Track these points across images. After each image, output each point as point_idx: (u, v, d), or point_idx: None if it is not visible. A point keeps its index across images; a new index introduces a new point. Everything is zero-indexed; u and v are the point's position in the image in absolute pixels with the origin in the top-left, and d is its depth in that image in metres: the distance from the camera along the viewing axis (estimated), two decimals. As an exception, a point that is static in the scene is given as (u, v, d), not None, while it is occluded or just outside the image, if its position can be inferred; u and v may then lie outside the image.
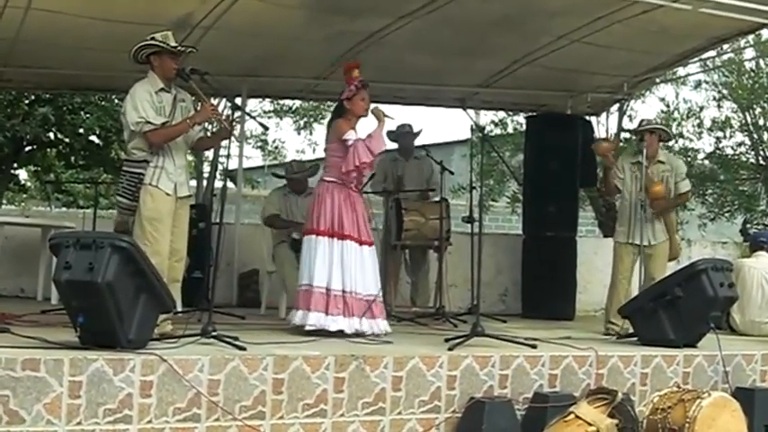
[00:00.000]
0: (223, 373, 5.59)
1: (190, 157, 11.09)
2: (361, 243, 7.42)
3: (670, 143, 10.48)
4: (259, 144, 18.48)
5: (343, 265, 7.31)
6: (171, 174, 6.68)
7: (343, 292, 7.26)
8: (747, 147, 15.26)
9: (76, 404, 5.18)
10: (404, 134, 10.20)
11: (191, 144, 7.06)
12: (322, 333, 7.07)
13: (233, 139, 6.98)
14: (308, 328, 7.15)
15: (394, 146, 10.03)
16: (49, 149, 14.96)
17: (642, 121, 9.13)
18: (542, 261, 10.94)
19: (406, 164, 10.20)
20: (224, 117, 6.90)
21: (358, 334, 7.15)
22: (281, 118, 17.58)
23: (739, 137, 15.27)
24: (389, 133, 10.00)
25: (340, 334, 7.09)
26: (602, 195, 13.58)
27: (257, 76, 10.53)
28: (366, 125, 7.62)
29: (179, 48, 6.77)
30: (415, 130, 10.25)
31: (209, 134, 7.02)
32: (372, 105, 7.59)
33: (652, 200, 8.56)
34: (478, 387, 6.37)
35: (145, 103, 6.57)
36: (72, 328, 5.61)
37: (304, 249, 7.50)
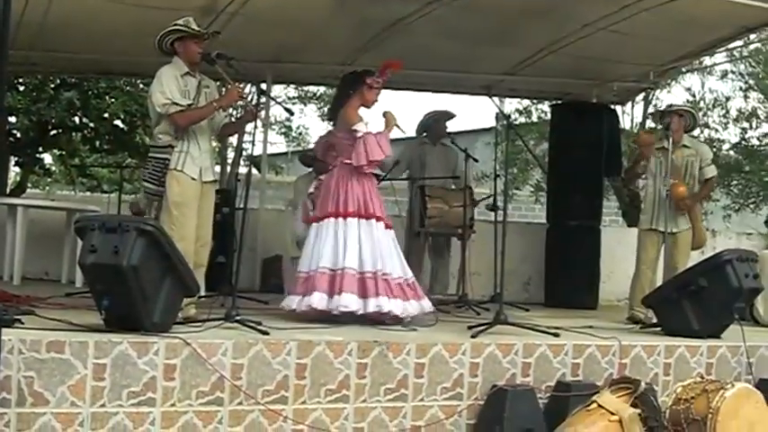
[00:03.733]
0: (246, 357, 5.60)
1: (214, 143, 11.12)
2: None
3: (695, 132, 10.39)
4: (283, 130, 18.52)
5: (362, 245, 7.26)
6: (196, 158, 6.69)
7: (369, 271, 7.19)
8: (773, 138, 15.20)
9: (101, 386, 5.21)
10: (440, 117, 10.16)
11: (216, 130, 7.07)
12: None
13: (257, 124, 6.99)
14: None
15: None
16: (74, 134, 15.00)
17: (670, 105, 9.11)
18: (566, 250, 10.92)
19: (433, 149, 10.17)
20: (250, 101, 6.91)
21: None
22: (305, 104, 17.62)
23: (765, 128, 15.23)
24: (425, 117, 10.03)
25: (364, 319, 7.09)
26: (626, 185, 13.57)
27: (282, 62, 10.53)
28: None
29: (201, 31, 6.78)
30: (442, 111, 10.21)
31: (233, 120, 7.02)
32: (386, 110, 7.60)
33: (677, 201, 8.53)
34: (501, 375, 6.37)
35: (172, 86, 6.58)
36: (97, 311, 5.64)
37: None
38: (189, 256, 6.30)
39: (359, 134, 7.34)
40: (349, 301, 7.02)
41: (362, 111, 7.56)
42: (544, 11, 8.81)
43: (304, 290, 7.17)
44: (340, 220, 7.30)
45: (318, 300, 7.06)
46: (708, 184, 9.01)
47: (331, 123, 7.98)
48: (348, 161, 7.41)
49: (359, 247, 7.23)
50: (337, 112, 7.65)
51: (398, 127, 7.52)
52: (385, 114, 7.54)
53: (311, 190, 8.04)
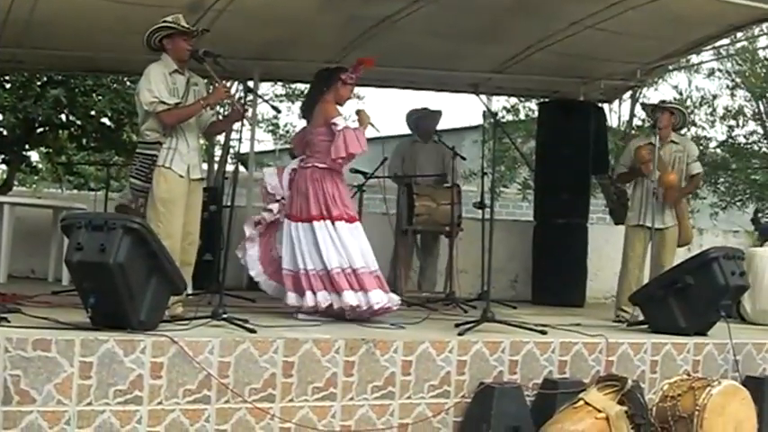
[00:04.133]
0: (233, 355, 5.60)
1: (201, 141, 11.09)
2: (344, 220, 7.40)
3: (683, 131, 10.42)
4: (270, 128, 18.46)
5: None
6: (184, 155, 6.68)
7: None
8: (760, 136, 15.25)
9: (87, 384, 5.20)
10: (425, 115, 10.17)
11: (203, 128, 7.06)
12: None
13: (245, 122, 6.98)
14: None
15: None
16: (60, 131, 14.92)
17: (663, 101, 9.14)
18: (553, 248, 10.92)
19: (424, 146, 10.17)
20: (237, 99, 6.89)
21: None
22: (292, 102, 17.54)
23: (752, 126, 15.26)
24: (409, 116, 10.04)
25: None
26: (613, 183, 13.59)
27: (269, 59, 10.51)
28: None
29: (191, 28, 6.77)
30: (434, 110, 10.20)
31: (220, 118, 7.02)
32: (361, 107, 7.64)
33: (666, 188, 8.54)
34: (488, 372, 6.37)
35: (159, 84, 6.57)
36: (83, 309, 5.63)
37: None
38: (175, 254, 6.29)
39: (338, 127, 7.33)
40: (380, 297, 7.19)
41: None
42: (531, 8, 8.81)
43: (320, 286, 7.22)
44: (329, 222, 7.33)
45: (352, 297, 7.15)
46: (693, 181, 9.03)
47: (305, 120, 7.93)
48: (320, 163, 7.41)
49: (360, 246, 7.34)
50: (312, 109, 7.64)
51: (373, 126, 7.53)
52: (359, 113, 7.56)
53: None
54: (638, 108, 14.65)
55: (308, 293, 7.18)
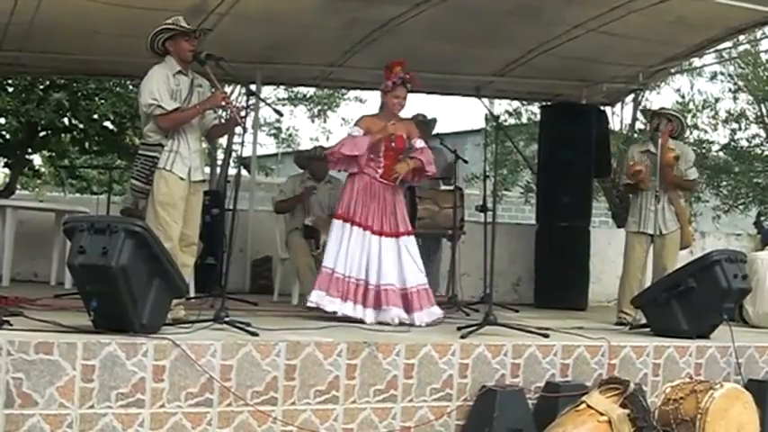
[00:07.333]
0: (235, 358, 5.59)
1: (204, 144, 11.09)
2: (376, 233, 7.49)
3: (687, 136, 10.43)
4: (273, 131, 18.50)
5: (349, 251, 7.47)
6: (185, 158, 6.66)
7: (345, 276, 7.43)
8: (762, 139, 15.24)
9: (89, 388, 5.19)
10: (417, 124, 10.15)
11: (204, 131, 7.05)
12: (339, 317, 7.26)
13: (247, 126, 6.98)
14: (308, 304, 7.44)
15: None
16: (63, 135, 14.97)
17: (662, 107, 9.15)
18: (555, 251, 10.93)
19: None
20: (234, 105, 6.87)
21: (361, 320, 7.29)
22: (295, 105, 17.59)
23: (754, 129, 15.24)
24: None
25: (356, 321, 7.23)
26: (615, 186, 13.59)
27: (272, 63, 10.54)
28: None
29: (192, 28, 6.76)
30: (429, 119, 10.20)
31: (222, 121, 7.01)
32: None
33: (665, 165, 8.50)
34: (490, 375, 6.37)
35: (161, 86, 6.56)
36: (85, 313, 5.62)
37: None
38: (176, 257, 6.28)
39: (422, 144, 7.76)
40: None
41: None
42: (533, 12, 8.83)
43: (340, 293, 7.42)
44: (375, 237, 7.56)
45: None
46: (689, 183, 9.08)
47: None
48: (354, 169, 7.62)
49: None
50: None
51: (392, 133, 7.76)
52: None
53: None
54: (642, 106, 14.63)
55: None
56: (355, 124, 7.80)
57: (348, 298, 7.39)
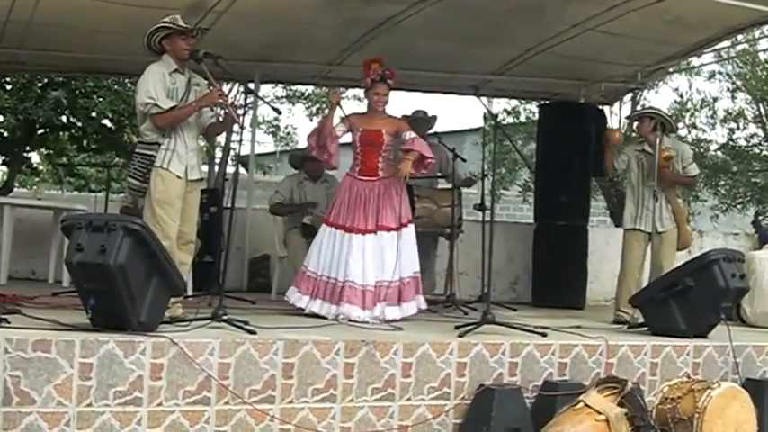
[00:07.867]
0: (233, 356, 5.59)
1: (202, 142, 11.07)
2: (351, 231, 7.57)
3: (683, 133, 10.43)
4: (271, 130, 18.52)
5: (322, 249, 7.62)
6: (182, 156, 6.66)
7: (317, 274, 7.58)
8: (760, 138, 15.25)
9: (87, 386, 5.19)
10: (417, 120, 10.16)
11: (201, 129, 7.04)
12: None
13: (245, 124, 6.97)
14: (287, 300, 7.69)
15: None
16: (61, 133, 14.94)
17: (642, 108, 9.18)
18: (553, 250, 10.93)
19: None
20: (231, 103, 6.86)
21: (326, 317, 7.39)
22: (293, 104, 17.60)
23: (752, 128, 15.26)
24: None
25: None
26: (614, 185, 13.59)
27: (270, 61, 10.53)
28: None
29: (188, 27, 6.76)
30: (429, 116, 10.18)
31: (220, 119, 7.00)
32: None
33: (662, 166, 8.51)
34: (488, 374, 6.37)
35: (157, 85, 6.55)
36: (83, 311, 5.63)
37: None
38: (173, 255, 6.28)
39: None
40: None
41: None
42: (532, 11, 8.83)
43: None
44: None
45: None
46: (691, 180, 9.10)
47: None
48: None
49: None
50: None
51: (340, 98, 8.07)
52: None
53: None
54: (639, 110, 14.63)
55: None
56: (341, 121, 7.80)
57: (317, 295, 7.52)
